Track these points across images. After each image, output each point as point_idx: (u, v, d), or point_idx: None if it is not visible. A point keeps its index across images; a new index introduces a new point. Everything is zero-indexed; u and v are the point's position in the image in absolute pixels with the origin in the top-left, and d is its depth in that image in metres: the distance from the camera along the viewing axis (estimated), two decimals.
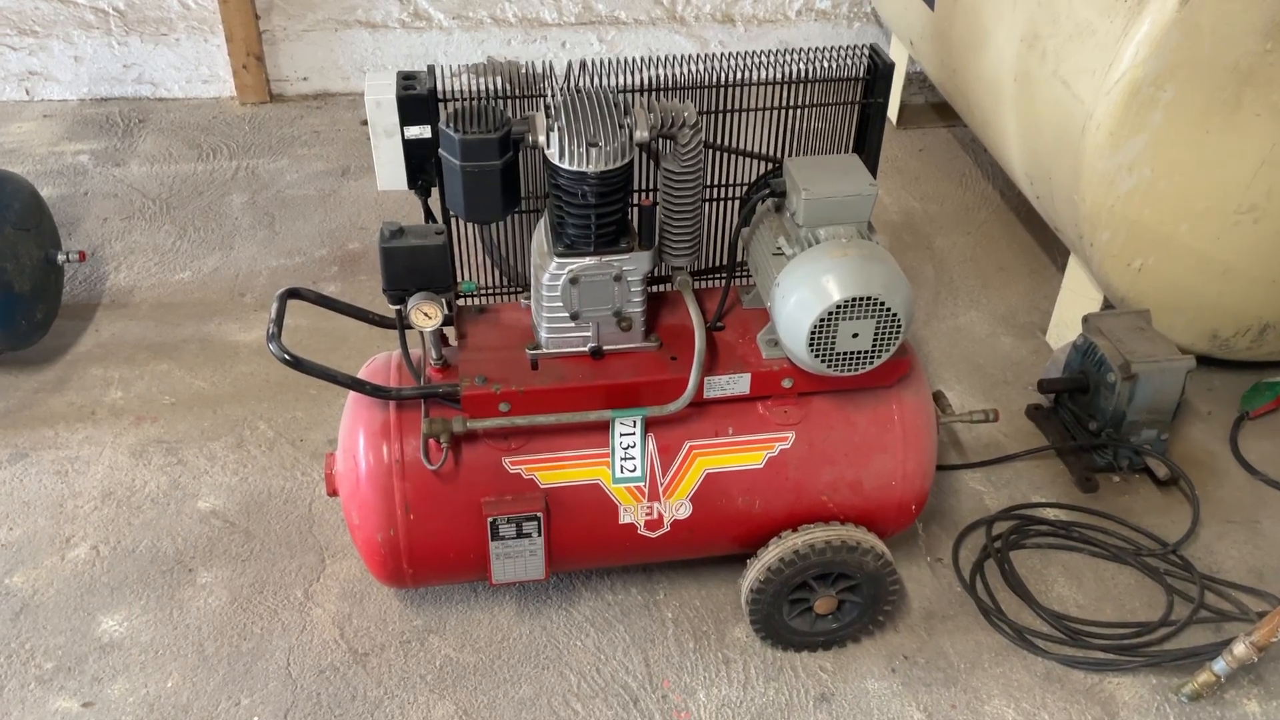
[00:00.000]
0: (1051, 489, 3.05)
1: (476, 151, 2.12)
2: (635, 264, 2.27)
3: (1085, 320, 3.09)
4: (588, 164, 2.13)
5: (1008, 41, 3.30)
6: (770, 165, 2.50)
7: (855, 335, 2.19)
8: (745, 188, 2.53)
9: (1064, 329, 3.44)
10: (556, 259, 2.25)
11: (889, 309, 2.17)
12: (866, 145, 2.54)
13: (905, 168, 4.48)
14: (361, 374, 2.44)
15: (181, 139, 4.54)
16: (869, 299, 2.15)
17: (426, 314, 2.23)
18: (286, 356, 2.18)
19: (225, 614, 2.65)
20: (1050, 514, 2.96)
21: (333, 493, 2.47)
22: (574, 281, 2.26)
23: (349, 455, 2.36)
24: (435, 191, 2.33)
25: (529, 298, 2.45)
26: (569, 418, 2.29)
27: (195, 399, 3.26)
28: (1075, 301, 3.38)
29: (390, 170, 2.32)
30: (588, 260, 2.25)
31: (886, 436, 2.44)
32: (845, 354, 2.22)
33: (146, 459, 3.05)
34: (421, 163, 2.32)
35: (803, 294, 2.18)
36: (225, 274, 3.80)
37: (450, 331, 2.48)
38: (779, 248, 2.30)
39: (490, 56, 4.89)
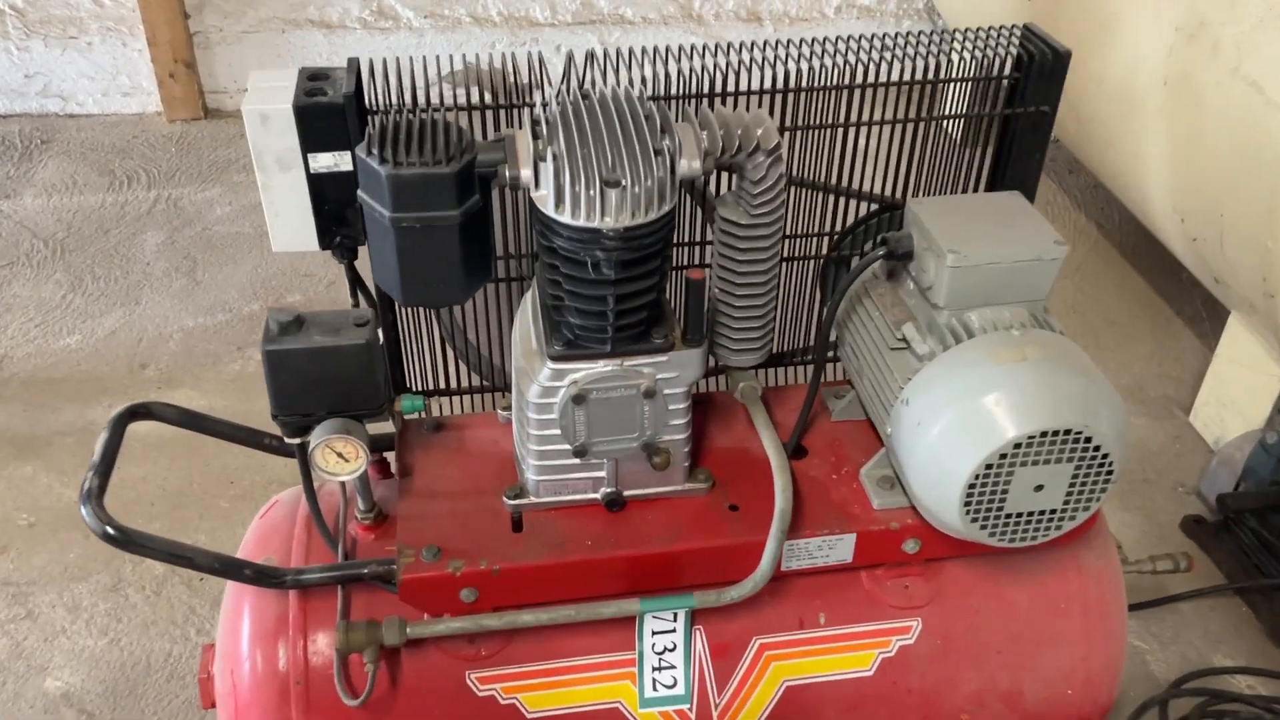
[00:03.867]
0: (1235, 644, 2.21)
1: (417, 195, 1.27)
2: (678, 370, 1.43)
3: None
4: (604, 216, 1.29)
5: (1154, 33, 2.48)
6: (873, 207, 1.67)
7: (1039, 488, 1.36)
8: (831, 237, 1.70)
9: (1218, 410, 2.61)
10: (552, 363, 1.41)
11: (1094, 445, 1.33)
12: (1007, 179, 1.72)
13: None
14: (253, 529, 1.61)
15: (90, 164, 3.70)
16: (1066, 434, 1.31)
17: (340, 455, 1.39)
18: (109, 531, 1.34)
19: None
20: (1243, 684, 2.12)
21: (209, 705, 1.62)
22: (580, 399, 1.41)
23: (228, 663, 1.52)
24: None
25: (509, 405, 1.61)
26: (569, 613, 1.45)
27: (63, 518, 2.41)
28: (1238, 376, 2.55)
29: (289, 222, 1.48)
30: (602, 366, 1.41)
31: (1060, 622, 1.60)
32: (1021, 517, 1.38)
33: None
34: (341, 209, 1.49)
35: (952, 423, 1.34)
36: (125, 338, 2.96)
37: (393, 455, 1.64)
38: (903, 338, 1.46)
39: (469, 62, 4.07)
